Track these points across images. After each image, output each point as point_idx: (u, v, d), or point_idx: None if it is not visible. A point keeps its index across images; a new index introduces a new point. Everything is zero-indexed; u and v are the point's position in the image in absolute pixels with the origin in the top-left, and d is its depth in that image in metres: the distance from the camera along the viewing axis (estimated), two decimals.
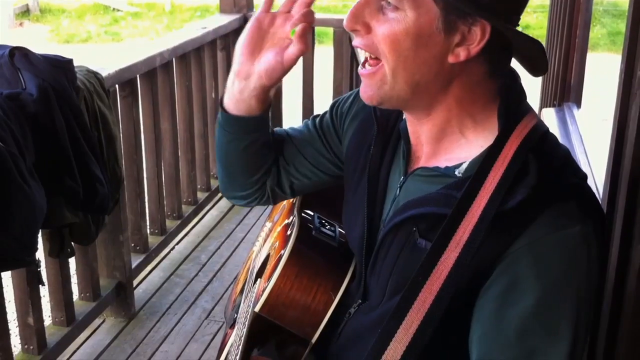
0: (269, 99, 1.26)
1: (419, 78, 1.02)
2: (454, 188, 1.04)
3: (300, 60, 4.23)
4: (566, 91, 3.07)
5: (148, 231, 3.14)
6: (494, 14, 0.98)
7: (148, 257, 3.11)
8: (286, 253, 1.27)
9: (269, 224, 1.70)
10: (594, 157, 2.19)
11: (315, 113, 1.45)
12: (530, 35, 1.03)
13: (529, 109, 1.09)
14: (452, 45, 1.00)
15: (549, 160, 1.02)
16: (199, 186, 3.65)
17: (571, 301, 0.97)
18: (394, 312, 0.97)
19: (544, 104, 3.49)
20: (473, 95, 1.06)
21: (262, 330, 1.24)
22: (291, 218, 1.43)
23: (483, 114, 1.07)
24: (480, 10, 0.97)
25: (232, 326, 1.42)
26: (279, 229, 1.49)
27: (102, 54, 10.00)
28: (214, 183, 3.80)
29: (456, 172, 1.06)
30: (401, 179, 1.15)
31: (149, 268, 3.20)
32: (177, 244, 3.48)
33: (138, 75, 2.89)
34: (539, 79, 3.76)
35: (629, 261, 1.18)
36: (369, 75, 1.06)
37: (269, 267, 1.36)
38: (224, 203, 3.92)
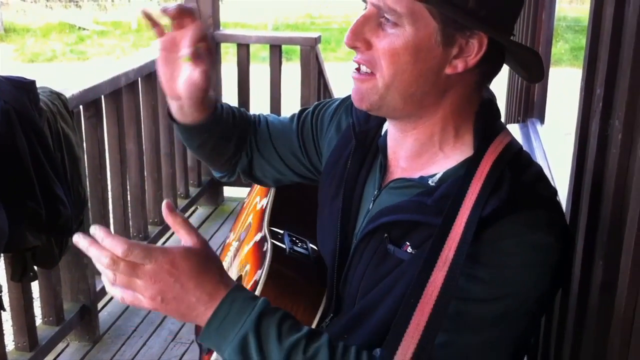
0: (210, 104, 1.27)
1: (415, 90, 1.04)
2: (424, 195, 1.05)
3: (268, 77, 4.20)
4: (530, 107, 3.12)
5: None
6: (493, 25, 1.00)
7: None
8: (263, 275, 1.25)
9: (232, 235, 1.67)
10: (557, 173, 2.21)
11: None
12: None
13: (503, 126, 1.11)
14: (450, 57, 1.02)
15: (521, 174, 1.03)
16: None
17: (509, 303, 0.98)
18: (389, 339, 0.95)
19: (508, 120, 3.53)
20: (463, 107, 1.08)
21: None
22: (260, 236, 1.41)
23: (465, 126, 1.09)
24: (479, 23, 0.99)
25: (210, 352, 1.38)
26: (247, 248, 1.47)
27: (67, 73, 9.92)
28: (181, 202, 3.77)
29: (430, 182, 1.07)
30: (375, 192, 1.16)
31: None
32: None
33: (103, 96, 2.86)
34: (504, 95, 3.82)
35: (591, 276, 1.19)
36: (360, 79, 1.07)
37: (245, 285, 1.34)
38: (192, 222, 3.89)
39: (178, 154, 3.71)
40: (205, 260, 0.98)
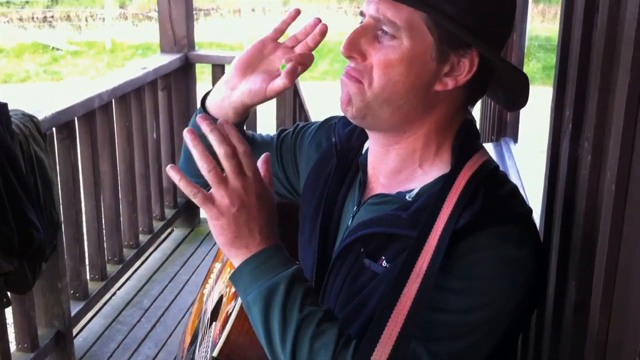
0: (246, 114, 1.30)
1: (404, 103, 1.05)
2: (400, 209, 1.07)
3: None
4: (503, 127, 3.15)
5: (88, 277, 3.06)
6: (487, 44, 1.02)
7: (88, 304, 3.02)
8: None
9: (218, 265, 1.67)
10: (531, 192, 2.23)
11: None
12: None
13: (481, 146, 1.13)
14: (441, 74, 1.04)
15: (495, 190, 1.05)
16: (140, 228, 3.58)
17: (482, 314, 0.99)
18: (362, 347, 0.96)
19: (482, 139, 3.55)
20: (447, 124, 1.10)
21: None
22: None
23: (446, 144, 1.11)
24: (475, 39, 1.01)
25: None
26: (229, 269, 1.46)
27: (41, 94, 9.83)
28: (157, 225, 3.74)
29: (407, 197, 1.09)
30: (354, 208, 1.17)
31: (89, 315, 3.11)
32: (119, 289, 3.40)
33: (76, 118, 2.83)
34: (477, 115, 3.86)
35: (565, 295, 1.20)
36: (348, 83, 1.08)
37: (224, 308, 1.32)
38: (168, 245, 3.87)
39: (153, 176, 3.68)
40: (275, 211, 1.06)
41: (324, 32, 1.19)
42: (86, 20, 15.62)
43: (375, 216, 1.10)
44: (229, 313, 1.25)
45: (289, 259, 1.04)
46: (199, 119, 1.03)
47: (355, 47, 1.05)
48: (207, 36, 13.53)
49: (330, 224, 1.21)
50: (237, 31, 14.77)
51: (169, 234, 4.03)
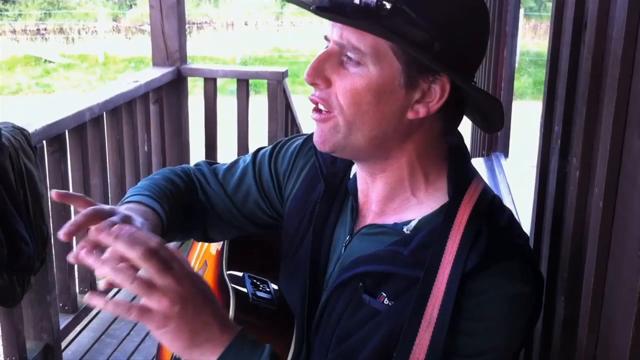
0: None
1: (377, 132, 1.02)
2: (400, 245, 1.03)
3: (235, 112, 4.19)
4: (494, 142, 3.16)
5: (77, 290, 3.05)
6: (456, 70, 0.99)
7: (77, 317, 3.00)
8: None
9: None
10: (521, 206, 2.24)
11: None
12: None
13: (474, 172, 1.11)
14: (412, 101, 1.01)
15: (496, 224, 1.03)
16: None
17: (494, 355, 0.99)
18: None
19: (473, 154, 3.58)
20: (428, 152, 1.07)
21: None
22: (220, 279, 1.36)
23: (435, 173, 1.08)
24: (444, 66, 0.98)
25: None
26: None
27: (32, 106, 9.82)
28: None
29: (404, 229, 1.05)
30: (347, 238, 1.14)
31: (78, 328, 3.08)
32: None
33: (67, 131, 2.83)
34: (468, 129, 3.88)
35: (554, 312, 1.20)
36: (321, 120, 1.04)
37: None
38: None
39: None
40: (208, 284, 0.96)
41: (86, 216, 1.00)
42: (79, 33, 15.63)
43: (374, 253, 1.06)
44: None
45: (253, 339, 0.96)
46: (102, 226, 0.91)
47: (319, 74, 1.02)
48: (199, 50, 13.56)
49: (320, 253, 1.17)
50: (229, 45, 14.81)
51: None
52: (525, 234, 1.07)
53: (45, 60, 13.38)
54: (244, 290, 1.31)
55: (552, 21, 1.34)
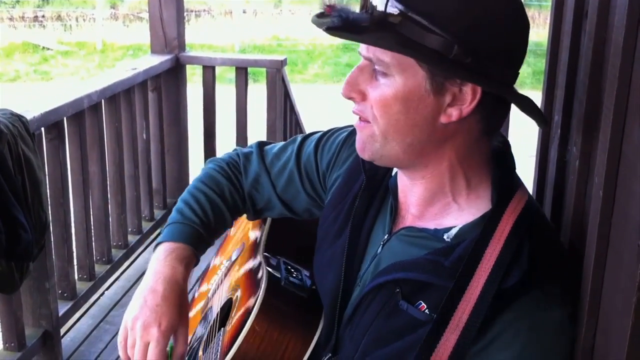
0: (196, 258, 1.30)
1: (411, 140, 1.03)
2: (441, 255, 1.03)
3: (233, 100, 4.20)
4: None
5: (76, 277, 3.05)
6: (481, 73, 0.97)
7: (76, 304, 3.01)
8: (256, 307, 1.22)
9: (219, 258, 1.63)
10: None
11: None
12: None
13: (519, 182, 1.09)
14: (444, 105, 1.00)
15: (539, 242, 1.01)
16: (129, 229, 3.57)
17: None
18: None
19: None
20: (470, 156, 1.06)
21: None
22: (255, 263, 1.38)
23: (477, 178, 1.07)
24: (464, 71, 0.96)
25: None
26: (241, 271, 1.43)
27: (30, 93, 9.80)
28: (146, 225, 3.73)
29: (445, 237, 1.05)
30: (385, 237, 1.14)
31: (77, 315, 3.09)
32: (107, 289, 3.39)
33: (65, 118, 2.82)
34: None
35: None
36: (360, 128, 1.07)
37: (235, 316, 1.30)
38: None
39: (142, 176, 3.67)
40: None
41: None
42: (77, 20, 15.56)
43: (415, 260, 1.05)
44: (240, 325, 1.23)
45: None
46: None
47: (354, 88, 1.04)
48: (198, 38, 13.52)
49: (356, 248, 1.17)
50: (228, 33, 14.76)
51: (158, 234, 4.00)
52: (566, 250, 1.06)
53: (43, 48, 13.34)
54: (277, 275, 1.32)
55: (552, 10, 1.34)
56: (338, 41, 14.40)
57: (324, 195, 1.33)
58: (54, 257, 2.77)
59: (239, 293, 1.36)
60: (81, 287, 3.07)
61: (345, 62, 13.51)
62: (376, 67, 1.01)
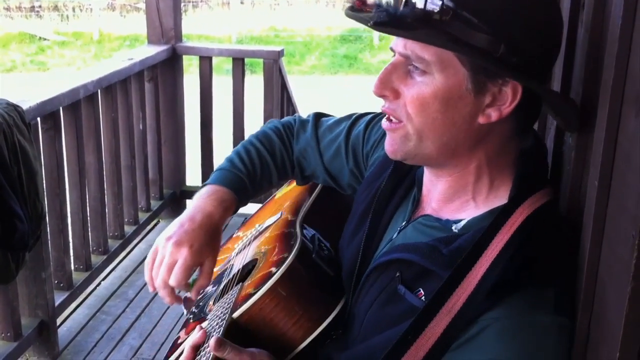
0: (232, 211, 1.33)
1: (448, 139, 1.01)
2: (443, 242, 1.03)
3: (230, 91, 4.22)
4: None
5: (72, 267, 3.05)
6: (525, 73, 0.96)
7: (72, 294, 3.01)
8: (281, 269, 1.20)
9: (247, 230, 1.61)
10: None
11: None
12: None
13: (546, 182, 1.08)
14: (483, 105, 0.99)
15: (545, 243, 1.00)
16: (126, 219, 3.57)
17: None
18: None
19: None
20: (498, 157, 1.05)
21: (234, 337, 1.13)
22: (290, 230, 1.37)
23: (501, 178, 1.06)
24: (510, 70, 0.95)
25: (202, 319, 1.31)
26: (274, 234, 1.42)
27: (27, 84, 9.78)
28: (142, 216, 3.73)
29: (453, 227, 1.05)
30: (403, 223, 1.14)
31: (73, 305, 3.10)
32: (103, 279, 3.39)
33: (61, 108, 2.82)
34: None
35: None
36: (391, 129, 1.05)
37: (257, 274, 1.27)
38: (153, 236, 3.86)
39: (139, 167, 3.67)
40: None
41: None
42: (74, 10, 15.50)
43: (414, 243, 1.06)
44: (261, 282, 1.20)
45: None
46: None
47: (387, 85, 1.02)
48: (195, 28, 13.48)
49: (376, 231, 1.18)
50: (225, 24, 14.72)
51: (155, 225, 4.02)
52: (573, 259, 1.02)
53: (40, 38, 13.30)
54: (310, 246, 1.31)
55: None
56: (335, 33, 14.38)
57: (365, 174, 1.33)
58: (50, 247, 2.77)
59: (266, 254, 1.33)
60: (77, 277, 3.07)
61: (343, 53, 13.49)
62: (414, 63, 0.99)
